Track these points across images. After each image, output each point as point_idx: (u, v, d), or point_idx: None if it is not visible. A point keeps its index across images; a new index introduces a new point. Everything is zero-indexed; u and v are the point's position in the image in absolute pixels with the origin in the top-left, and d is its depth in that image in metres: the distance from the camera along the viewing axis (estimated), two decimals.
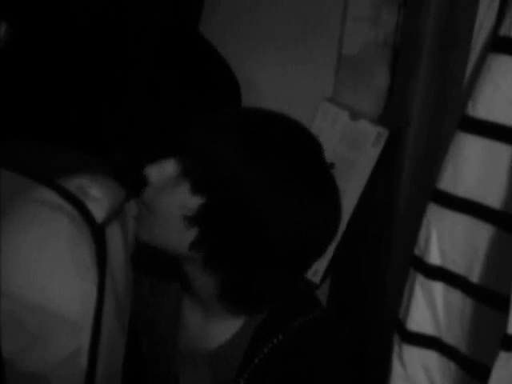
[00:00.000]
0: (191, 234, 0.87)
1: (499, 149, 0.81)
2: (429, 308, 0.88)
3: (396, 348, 0.90)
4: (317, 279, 1.33)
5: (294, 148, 0.88)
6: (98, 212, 0.94)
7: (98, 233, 0.92)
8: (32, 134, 1.13)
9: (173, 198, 0.88)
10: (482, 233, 0.83)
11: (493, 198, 0.82)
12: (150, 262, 1.03)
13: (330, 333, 0.95)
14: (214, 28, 1.37)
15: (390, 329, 0.94)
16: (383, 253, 1.30)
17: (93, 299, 0.89)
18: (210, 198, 0.85)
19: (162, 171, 0.89)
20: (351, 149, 1.37)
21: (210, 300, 0.94)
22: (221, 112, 0.91)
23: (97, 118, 1.21)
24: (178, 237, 0.88)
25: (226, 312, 0.94)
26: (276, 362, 0.92)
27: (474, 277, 0.84)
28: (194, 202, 0.86)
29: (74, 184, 0.94)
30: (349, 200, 1.36)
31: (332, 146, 1.39)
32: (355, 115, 1.38)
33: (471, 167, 0.84)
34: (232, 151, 0.85)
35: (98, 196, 0.96)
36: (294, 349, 0.92)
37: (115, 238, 0.96)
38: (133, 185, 1.12)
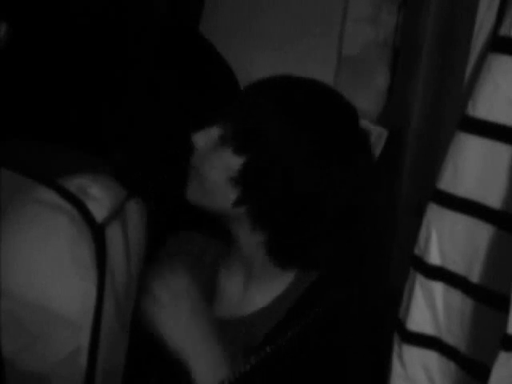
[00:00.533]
0: (235, 192, 0.95)
1: (499, 149, 0.81)
2: (429, 308, 0.88)
3: (396, 348, 0.90)
4: None
5: (326, 110, 0.99)
6: (98, 212, 0.94)
7: (97, 232, 0.92)
8: (32, 133, 1.13)
9: (218, 161, 0.96)
10: (482, 233, 0.83)
11: (493, 198, 0.82)
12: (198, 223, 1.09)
13: (362, 310, 1.00)
14: (214, 28, 1.37)
15: (390, 329, 0.94)
16: (383, 252, 1.30)
17: (92, 299, 0.89)
18: (250, 158, 0.94)
19: (207, 137, 0.98)
20: None
21: (252, 259, 1.00)
22: (256, 82, 1.02)
23: (97, 118, 1.21)
24: (222, 196, 0.96)
25: (267, 274, 1.00)
26: (311, 336, 0.96)
27: (474, 277, 0.83)
28: (237, 162, 0.95)
29: (74, 184, 0.94)
30: None
31: None
32: None
33: (471, 167, 0.84)
34: (270, 115, 0.96)
35: (99, 196, 0.96)
36: (330, 323, 0.96)
37: (115, 238, 0.96)
38: (133, 184, 1.12)
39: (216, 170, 0.96)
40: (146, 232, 1.12)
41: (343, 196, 0.97)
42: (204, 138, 0.98)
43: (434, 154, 1.14)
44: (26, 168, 0.94)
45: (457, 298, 0.86)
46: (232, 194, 0.96)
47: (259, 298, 1.01)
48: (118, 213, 0.99)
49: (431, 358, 0.88)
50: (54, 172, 0.97)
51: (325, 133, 0.96)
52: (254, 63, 1.42)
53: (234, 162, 0.95)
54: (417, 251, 0.89)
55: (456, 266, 0.86)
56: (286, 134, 0.95)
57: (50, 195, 0.92)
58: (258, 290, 1.01)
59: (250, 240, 0.99)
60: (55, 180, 0.93)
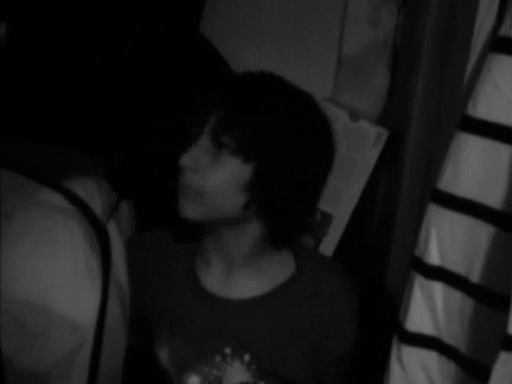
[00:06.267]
0: (243, 197, 1.00)
1: (499, 149, 0.81)
2: (428, 308, 0.88)
3: (395, 349, 0.90)
4: None
5: (303, 115, 1.05)
6: (100, 212, 0.95)
7: (102, 234, 0.93)
8: (29, 132, 1.13)
9: (225, 174, 0.99)
10: (482, 233, 0.83)
11: (493, 198, 0.82)
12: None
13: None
14: (214, 28, 1.37)
15: (389, 329, 0.94)
16: (383, 253, 1.30)
17: (97, 298, 0.89)
18: (260, 164, 0.99)
19: (197, 156, 1.00)
20: (351, 149, 1.37)
21: (241, 252, 1.06)
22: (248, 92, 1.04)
23: (95, 118, 1.21)
24: (231, 204, 1.00)
25: (264, 263, 1.07)
26: None
27: (474, 277, 0.83)
28: (245, 171, 0.99)
29: (77, 185, 0.95)
30: (349, 200, 1.36)
31: None
32: (355, 115, 1.38)
33: (471, 167, 0.84)
34: (267, 129, 1.00)
35: (97, 196, 0.96)
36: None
37: (113, 236, 0.96)
38: (127, 185, 1.12)
39: (223, 182, 0.99)
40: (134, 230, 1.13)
41: (322, 175, 1.07)
42: (194, 157, 0.99)
43: (434, 154, 1.14)
44: (29, 170, 0.94)
45: (457, 297, 0.86)
46: (240, 200, 1.00)
47: (255, 286, 1.07)
48: (113, 212, 0.99)
49: (431, 358, 0.88)
50: (54, 172, 0.97)
51: (303, 127, 1.03)
52: (253, 63, 1.41)
53: (243, 170, 0.99)
54: (417, 251, 0.89)
55: (456, 266, 0.86)
56: (283, 135, 1.00)
57: (55, 198, 0.92)
58: (250, 279, 1.07)
59: (246, 235, 1.04)
60: (60, 183, 0.94)
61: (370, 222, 1.39)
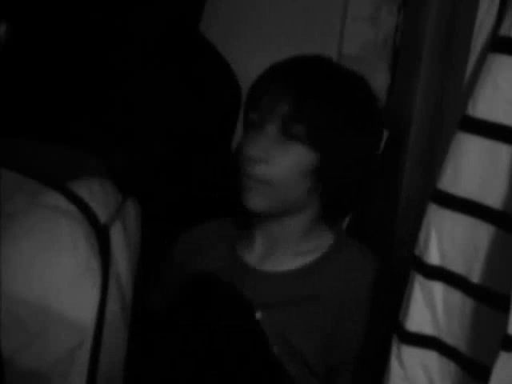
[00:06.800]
0: (307, 182, 1.03)
1: (499, 149, 0.81)
2: (428, 308, 0.88)
3: (394, 349, 0.90)
4: None
5: (367, 104, 1.10)
6: (103, 212, 0.95)
7: (101, 233, 0.93)
8: (32, 132, 1.13)
9: (292, 162, 1.02)
10: (482, 233, 0.83)
11: (493, 198, 0.82)
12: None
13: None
14: (214, 28, 1.37)
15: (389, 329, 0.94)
16: (384, 253, 1.30)
17: (96, 298, 0.90)
18: (327, 152, 1.02)
19: (266, 146, 1.01)
20: None
21: (286, 234, 1.08)
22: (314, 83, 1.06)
23: (97, 119, 1.21)
24: (297, 190, 1.03)
25: (301, 247, 1.09)
26: None
27: (474, 277, 0.83)
28: (311, 158, 1.02)
29: (81, 186, 0.95)
30: None
31: None
32: None
33: (471, 167, 0.84)
34: (334, 117, 1.03)
35: (102, 197, 0.96)
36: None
37: (118, 236, 0.97)
38: (132, 185, 1.12)
39: (290, 169, 1.02)
40: (140, 229, 1.13)
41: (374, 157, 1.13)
42: (264, 148, 1.01)
43: (435, 154, 1.14)
44: (33, 171, 0.95)
45: (457, 297, 0.86)
46: (303, 186, 1.03)
47: (293, 261, 1.08)
48: (118, 212, 0.99)
49: (431, 358, 0.88)
50: (59, 173, 0.97)
51: (363, 113, 1.08)
52: (253, 63, 1.41)
53: (309, 157, 1.02)
54: (417, 251, 0.89)
55: (456, 266, 0.86)
56: (351, 124, 1.04)
57: (59, 200, 0.92)
58: (290, 254, 1.09)
59: (300, 222, 1.07)
60: (65, 183, 0.94)
61: (370, 222, 1.39)
